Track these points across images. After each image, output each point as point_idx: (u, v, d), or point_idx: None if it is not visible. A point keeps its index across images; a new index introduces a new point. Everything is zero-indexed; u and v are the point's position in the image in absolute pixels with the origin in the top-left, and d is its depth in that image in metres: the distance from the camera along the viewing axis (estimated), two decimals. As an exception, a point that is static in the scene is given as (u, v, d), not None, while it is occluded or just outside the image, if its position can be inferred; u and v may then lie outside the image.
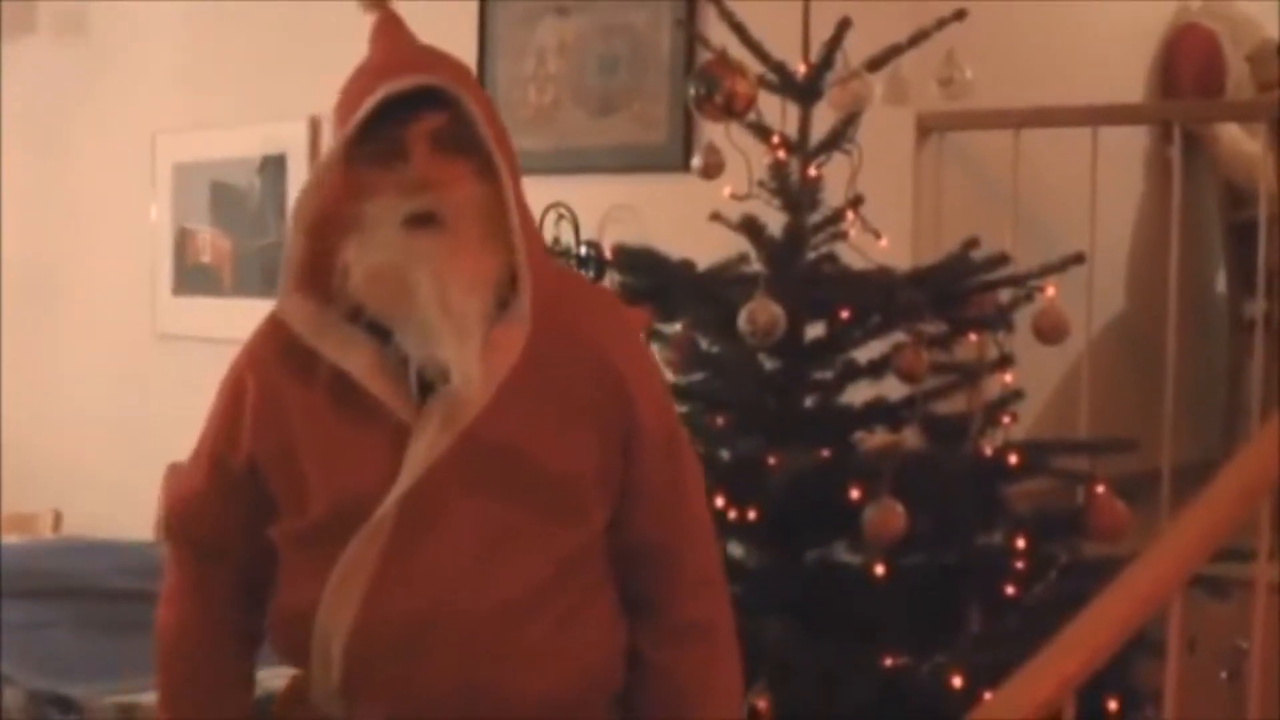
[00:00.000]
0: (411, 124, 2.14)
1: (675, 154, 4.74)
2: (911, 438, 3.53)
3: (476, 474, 2.18)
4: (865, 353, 3.61)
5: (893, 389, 3.57)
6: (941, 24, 3.62)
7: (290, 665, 2.38)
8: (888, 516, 3.20)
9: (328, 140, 5.94)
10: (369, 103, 2.14)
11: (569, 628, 2.23)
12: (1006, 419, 3.66)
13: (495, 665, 2.18)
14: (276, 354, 2.27)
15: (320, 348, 2.20)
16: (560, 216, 4.94)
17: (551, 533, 2.22)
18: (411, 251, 2.12)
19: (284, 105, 6.10)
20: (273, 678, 2.52)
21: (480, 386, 2.14)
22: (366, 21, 6.54)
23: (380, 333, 2.19)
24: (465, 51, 5.40)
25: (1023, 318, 3.68)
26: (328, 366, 2.20)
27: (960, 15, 3.61)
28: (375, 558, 2.17)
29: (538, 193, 4.71)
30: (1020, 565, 3.42)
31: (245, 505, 2.32)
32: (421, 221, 2.12)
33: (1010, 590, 3.41)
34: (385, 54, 2.27)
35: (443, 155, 2.15)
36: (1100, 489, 3.50)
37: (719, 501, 3.27)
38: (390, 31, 2.31)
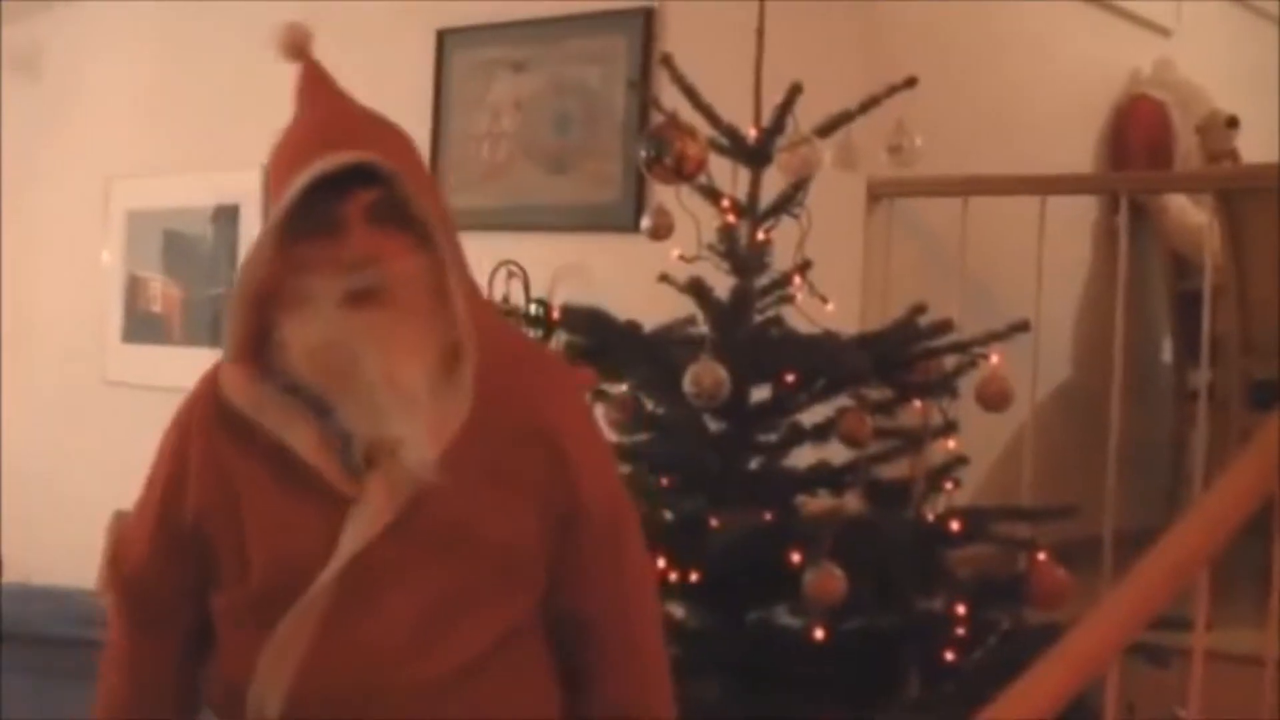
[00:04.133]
0: (346, 199, 2.09)
1: (627, 214, 4.75)
2: (854, 502, 3.53)
3: (417, 547, 2.13)
4: (810, 416, 3.62)
5: (836, 453, 3.58)
6: (892, 91, 3.65)
7: None
8: (827, 580, 3.20)
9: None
10: (299, 181, 2.08)
11: (505, 700, 2.19)
12: (949, 484, 3.67)
13: None
14: (217, 416, 2.21)
15: (261, 421, 2.16)
16: (511, 274, 4.95)
17: (490, 605, 2.17)
18: (352, 328, 2.07)
19: (238, 154, 6.08)
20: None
21: (432, 462, 2.09)
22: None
23: (318, 407, 2.13)
24: (421, 105, 5.41)
25: (969, 383, 3.69)
26: (267, 435, 2.15)
27: (911, 83, 3.65)
28: (311, 631, 2.11)
29: (489, 249, 4.73)
30: (960, 631, 3.43)
31: (190, 567, 2.24)
32: (361, 298, 2.07)
33: (949, 656, 3.41)
34: (316, 120, 2.19)
35: (381, 229, 2.09)
36: (1041, 556, 3.51)
37: (660, 562, 3.27)
38: (318, 89, 2.23)
